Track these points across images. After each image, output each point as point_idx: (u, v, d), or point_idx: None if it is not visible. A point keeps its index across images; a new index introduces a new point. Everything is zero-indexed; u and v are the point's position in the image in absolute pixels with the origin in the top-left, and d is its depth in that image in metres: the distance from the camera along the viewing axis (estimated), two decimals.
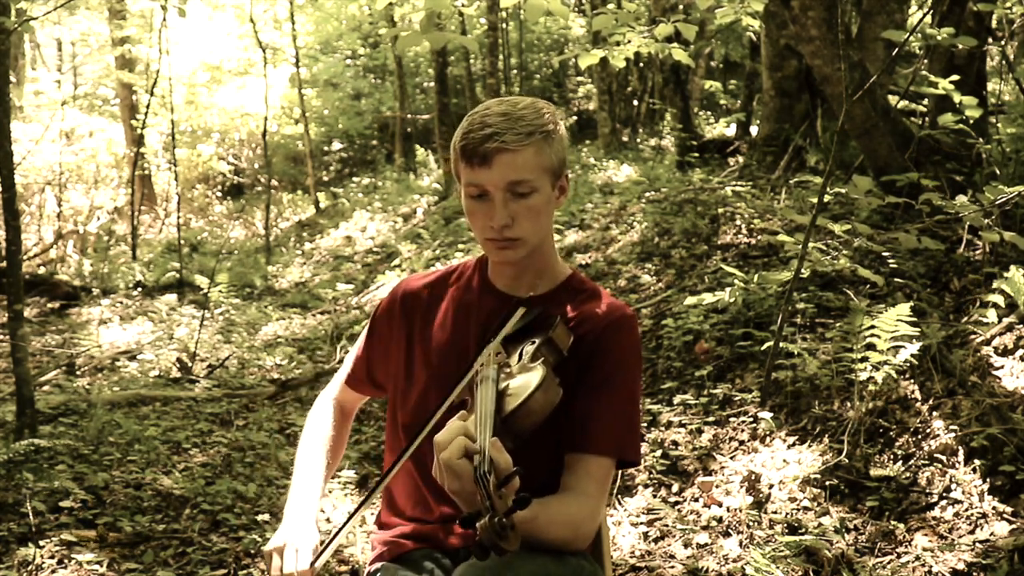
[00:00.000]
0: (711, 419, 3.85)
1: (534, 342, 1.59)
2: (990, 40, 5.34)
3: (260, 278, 10.13)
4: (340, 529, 1.66)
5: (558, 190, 1.71)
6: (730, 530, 3.13)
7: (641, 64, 11.85)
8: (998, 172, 4.90)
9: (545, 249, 1.75)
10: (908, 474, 3.12)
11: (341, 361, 2.02)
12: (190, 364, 6.14)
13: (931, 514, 2.94)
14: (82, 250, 12.17)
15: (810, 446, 3.46)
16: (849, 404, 3.56)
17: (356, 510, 1.73)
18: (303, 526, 1.72)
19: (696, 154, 8.85)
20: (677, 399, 4.06)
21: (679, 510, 3.35)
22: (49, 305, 8.92)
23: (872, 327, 3.38)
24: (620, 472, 3.58)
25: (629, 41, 4.49)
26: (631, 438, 1.68)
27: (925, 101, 5.24)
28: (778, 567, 2.77)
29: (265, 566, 1.71)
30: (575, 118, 15.61)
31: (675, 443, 3.75)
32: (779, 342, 3.79)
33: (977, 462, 3.00)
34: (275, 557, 1.68)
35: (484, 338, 1.68)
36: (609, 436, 1.63)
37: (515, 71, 15.65)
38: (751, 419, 3.76)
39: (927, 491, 3.03)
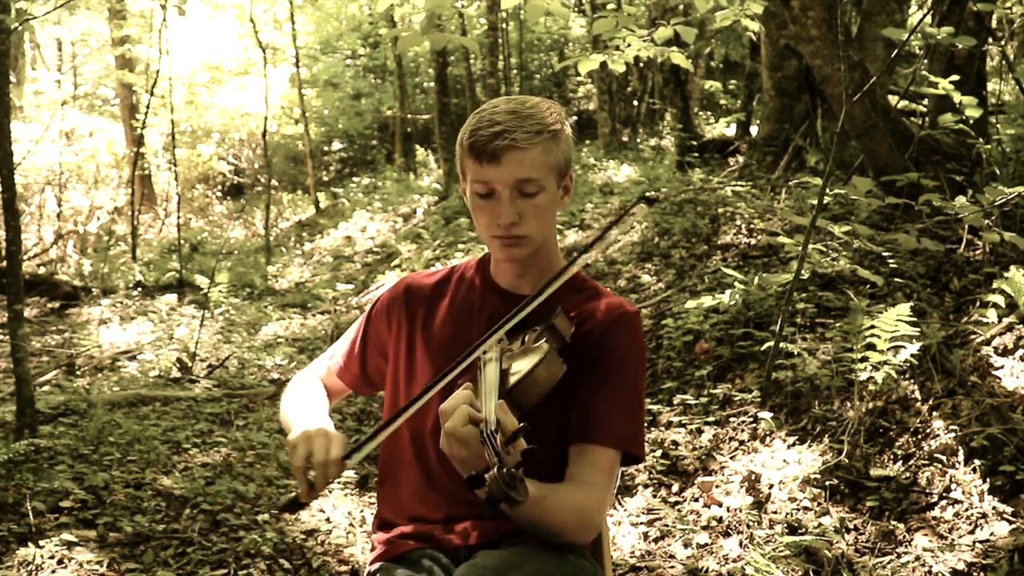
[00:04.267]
0: (711, 419, 3.85)
1: (536, 330, 1.62)
2: (990, 40, 5.34)
3: (260, 278, 10.13)
4: (377, 431, 1.54)
5: (563, 189, 1.72)
6: (730, 530, 3.13)
7: (641, 64, 11.84)
8: (998, 172, 4.89)
9: (548, 248, 1.76)
10: (908, 474, 3.12)
11: (331, 348, 2.00)
12: (190, 364, 6.14)
13: (931, 514, 2.94)
14: (82, 250, 12.17)
15: (810, 446, 3.46)
16: (849, 404, 3.56)
17: (402, 411, 1.56)
18: (326, 424, 1.63)
19: (696, 154, 8.85)
20: (677, 399, 4.06)
21: (679, 510, 3.35)
22: (49, 305, 8.92)
23: (872, 327, 3.39)
24: (621, 471, 3.58)
25: (629, 45, 4.49)
26: (635, 432, 1.68)
27: (925, 101, 5.24)
28: (778, 567, 2.77)
29: (290, 456, 1.52)
30: (575, 118, 15.60)
31: (675, 443, 3.75)
32: (779, 342, 3.79)
33: (977, 462, 3.00)
34: (300, 445, 1.53)
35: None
36: (615, 428, 1.64)
37: (515, 71, 15.65)
38: (751, 419, 3.76)
39: (927, 491, 3.03)
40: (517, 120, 1.62)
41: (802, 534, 2.96)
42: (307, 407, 1.77)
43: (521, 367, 1.51)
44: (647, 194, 1.75)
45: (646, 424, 3.92)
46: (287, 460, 1.56)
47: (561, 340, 1.62)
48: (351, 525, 3.42)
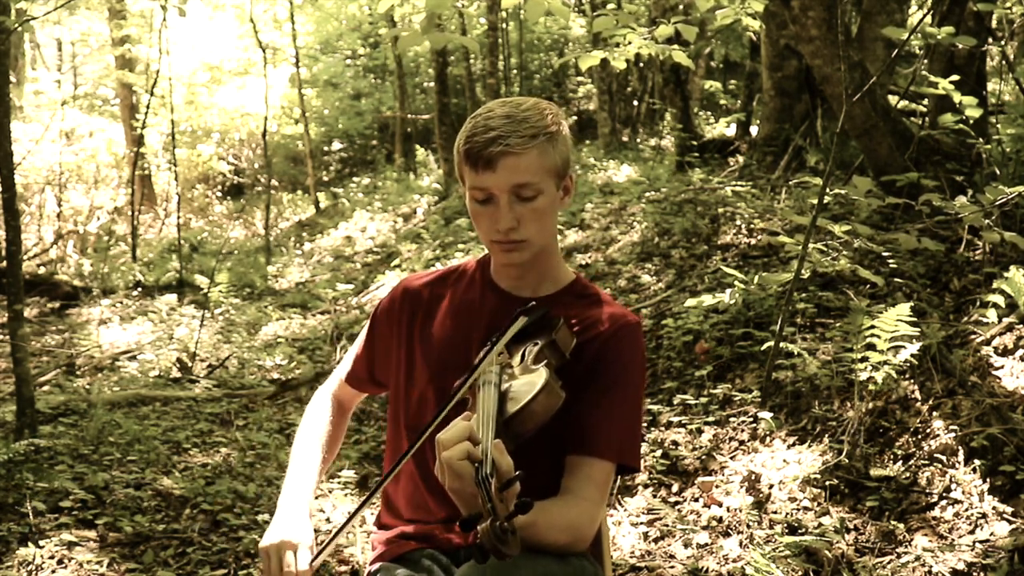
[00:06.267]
0: (711, 419, 3.85)
1: (537, 343, 1.59)
2: (990, 40, 5.34)
3: (260, 278, 10.13)
4: (338, 531, 1.65)
5: (563, 190, 1.71)
6: (730, 530, 3.13)
7: (641, 64, 11.84)
8: (998, 172, 4.89)
9: (549, 251, 1.75)
10: (908, 474, 3.12)
11: (341, 361, 2.02)
12: (190, 364, 6.14)
13: (931, 514, 2.94)
14: (82, 250, 12.17)
15: (810, 446, 3.46)
16: (849, 404, 3.56)
17: (355, 512, 1.70)
18: (298, 523, 1.69)
19: (696, 154, 8.84)
20: (677, 399, 4.06)
21: (679, 510, 3.35)
22: (49, 305, 8.92)
23: (872, 327, 3.38)
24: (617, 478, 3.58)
25: (629, 43, 4.49)
26: (632, 443, 1.67)
27: (925, 101, 5.24)
28: (778, 567, 2.77)
29: (262, 564, 1.67)
30: (575, 118, 15.60)
31: (675, 443, 3.75)
32: (779, 342, 3.79)
33: (977, 462, 3.00)
34: (272, 556, 1.64)
35: (489, 339, 1.68)
36: (611, 440, 1.63)
37: (515, 71, 15.65)
38: (751, 419, 3.76)
39: (927, 491, 3.03)
40: (512, 125, 1.61)
41: (802, 534, 2.96)
42: (295, 474, 1.80)
43: (519, 394, 1.48)
44: (521, 309, 1.73)
45: (646, 424, 3.94)
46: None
47: (561, 357, 1.60)
48: (351, 525, 3.41)
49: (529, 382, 1.49)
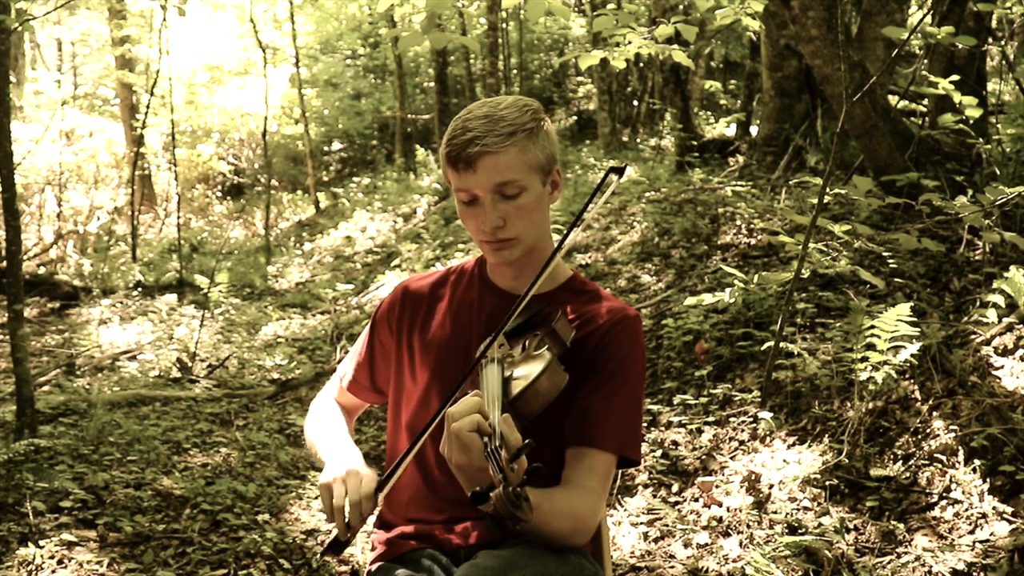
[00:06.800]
0: (711, 419, 3.85)
1: (536, 334, 1.61)
2: (990, 40, 5.34)
3: (260, 278, 10.13)
4: (401, 460, 1.56)
5: (550, 185, 1.72)
6: (730, 530, 3.13)
7: (641, 64, 11.84)
8: (998, 172, 4.90)
9: (544, 247, 1.75)
10: (908, 474, 3.12)
11: (341, 362, 2.00)
12: (190, 364, 6.14)
13: (931, 514, 2.94)
14: (82, 250, 12.16)
15: (810, 446, 3.46)
16: (849, 404, 3.56)
17: (405, 454, 1.60)
18: (355, 460, 1.63)
19: (696, 154, 8.84)
20: (677, 399, 4.06)
21: (679, 510, 3.35)
22: (49, 305, 8.91)
23: (872, 327, 3.39)
24: (620, 472, 3.58)
25: (630, 42, 4.49)
26: (633, 436, 1.68)
27: (925, 101, 5.24)
28: (778, 567, 2.77)
29: (321, 499, 1.56)
30: (575, 118, 15.61)
31: (675, 443, 3.75)
32: (779, 342, 3.78)
33: (977, 462, 3.00)
34: (335, 485, 1.54)
35: (488, 335, 1.69)
36: (612, 432, 1.64)
37: (515, 71, 15.65)
38: (751, 419, 3.76)
39: (927, 491, 3.03)
40: (489, 124, 1.61)
41: (802, 534, 2.96)
42: (331, 436, 1.77)
43: (524, 376, 1.50)
44: (613, 165, 1.77)
45: (646, 424, 3.94)
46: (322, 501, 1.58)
47: (562, 345, 1.61)
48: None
49: (532, 365, 1.51)
